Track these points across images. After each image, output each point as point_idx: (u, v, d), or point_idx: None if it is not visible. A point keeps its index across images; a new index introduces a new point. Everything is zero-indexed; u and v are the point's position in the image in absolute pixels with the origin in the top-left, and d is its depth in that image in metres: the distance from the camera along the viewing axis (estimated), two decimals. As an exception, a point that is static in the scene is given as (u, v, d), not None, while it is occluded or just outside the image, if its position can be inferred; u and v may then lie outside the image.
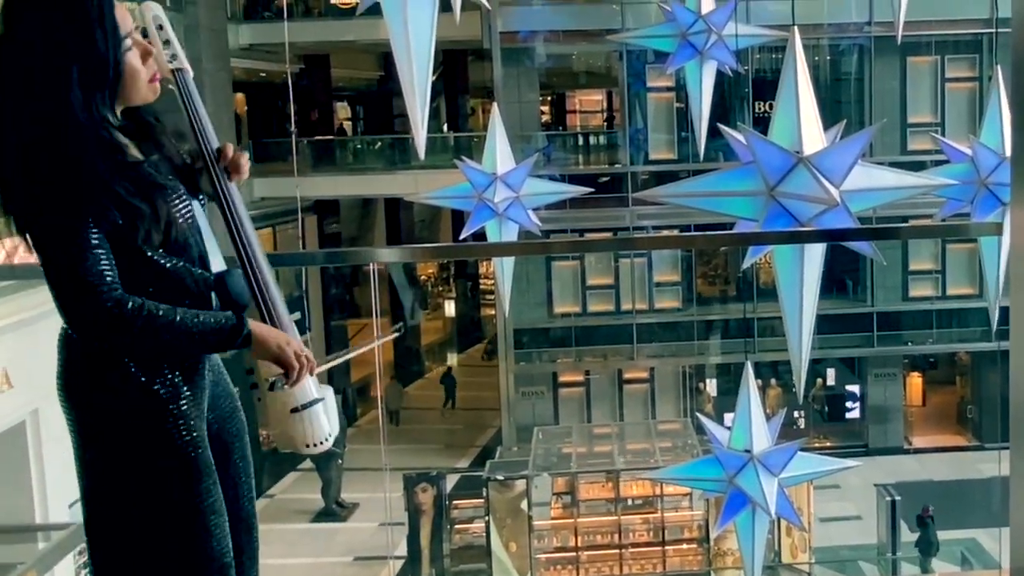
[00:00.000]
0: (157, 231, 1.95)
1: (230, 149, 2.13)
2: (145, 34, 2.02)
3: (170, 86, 2.05)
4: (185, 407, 2.05)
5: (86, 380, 2.02)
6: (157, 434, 2.02)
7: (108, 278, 1.88)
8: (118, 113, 2.00)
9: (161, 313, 1.91)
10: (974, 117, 19.84)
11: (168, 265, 2.00)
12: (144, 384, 2.00)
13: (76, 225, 1.86)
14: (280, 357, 2.06)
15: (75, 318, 1.89)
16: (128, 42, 1.94)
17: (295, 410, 2.18)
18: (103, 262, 1.88)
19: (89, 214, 1.87)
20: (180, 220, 2.02)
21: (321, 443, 2.21)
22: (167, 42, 2.01)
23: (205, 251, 2.08)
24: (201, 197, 2.15)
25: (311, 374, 2.12)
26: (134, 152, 2.01)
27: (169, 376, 2.03)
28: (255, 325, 2.04)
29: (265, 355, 2.05)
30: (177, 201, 2.03)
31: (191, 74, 2.09)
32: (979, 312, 20.48)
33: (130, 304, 1.88)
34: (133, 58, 1.96)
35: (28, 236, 1.91)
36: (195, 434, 2.07)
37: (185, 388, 2.06)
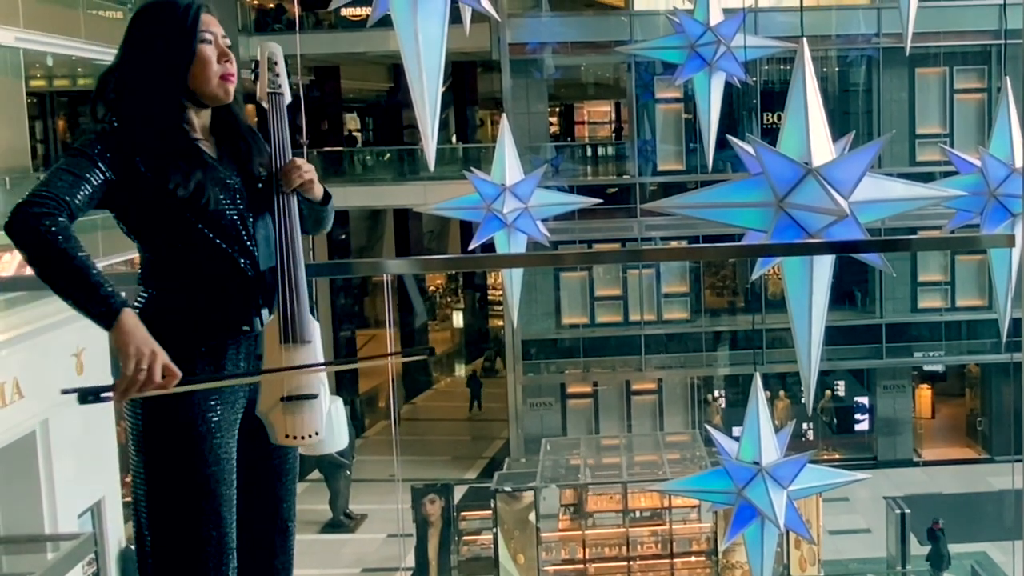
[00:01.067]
0: (184, 188, 2.15)
1: (294, 171, 2.34)
2: (256, 66, 2.40)
3: (265, 104, 2.39)
4: (208, 391, 2.19)
5: None
6: (177, 414, 2.16)
7: (62, 197, 2.02)
8: (196, 107, 2.28)
9: (70, 247, 1.98)
10: (983, 128, 19.81)
11: (211, 236, 2.18)
12: (181, 359, 2.09)
13: (81, 153, 2.11)
14: (124, 360, 1.98)
15: (10, 215, 2.01)
16: (207, 35, 2.27)
17: (284, 399, 2.23)
18: (69, 187, 2.05)
19: (107, 155, 2.12)
20: (222, 203, 2.21)
21: (304, 437, 2.23)
22: (277, 75, 2.38)
23: (255, 251, 2.24)
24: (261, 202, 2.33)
25: (160, 391, 2.02)
26: (202, 141, 2.27)
27: (198, 363, 2.19)
28: (131, 319, 2.00)
29: (119, 347, 2.00)
30: (225, 189, 2.24)
31: (288, 101, 2.41)
32: (989, 324, 20.40)
33: (52, 223, 1.98)
34: (207, 50, 2.26)
35: None
36: (216, 419, 2.20)
37: (219, 372, 2.21)
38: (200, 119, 2.29)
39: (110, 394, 1.99)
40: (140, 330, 2.00)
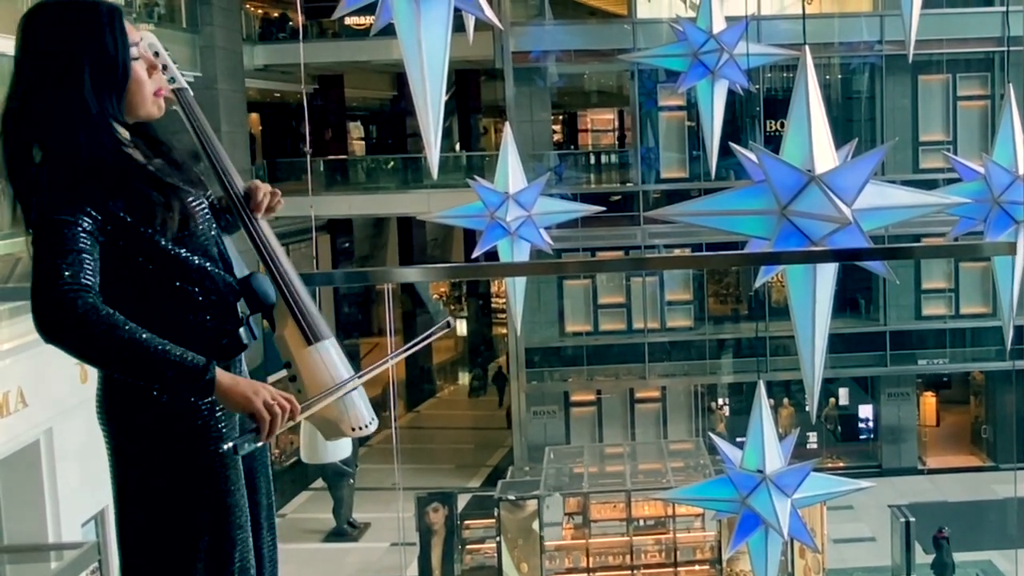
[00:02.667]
0: (172, 220, 2.01)
1: (259, 192, 2.20)
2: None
3: (174, 107, 2.16)
4: (216, 422, 2.11)
5: (121, 397, 2.06)
6: (188, 448, 2.06)
7: (84, 281, 1.88)
8: (127, 124, 2.09)
9: (127, 328, 1.86)
10: (986, 135, 19.79)
11: (194, 261, 2.06)
12: (172, 398, 2.04)
13: (69, 223, 1.90)
14: (248, 409, 1.93)
15: (41, 316, 1.86)
16: (135, 51, 2.04)
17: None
18: (85, 265, 1.89)
19: (89, 210, 1.93)
20: (199, 217, 2.09)
21: (364, 427, 2.22)
22: (165, 67, 2.13)
23: (228, 257, 2.15)
24: (223, 222, 2.23)
25: (293, 421, 1.97)
26: (142, 160, 2.09)
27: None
28: (222, 375, 1.93)
29: (233, 407, 1.95)
30: (193, 200, 2.10)
31: (191, 92, 2.19)
32: (993, 331, 20.36)
33: (98, 310, 1.85)
34: (139, 67, 2.06)
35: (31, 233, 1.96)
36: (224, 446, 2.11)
37: (219, 405, 2.09)
38: (126, 139, 2.09)
39: (256, 438, 1.96)
40: (239, 379, 1.96)
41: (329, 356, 2.20)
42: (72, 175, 1.95)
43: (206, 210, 2.14)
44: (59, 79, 1.97)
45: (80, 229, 1.91)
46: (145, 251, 2.01)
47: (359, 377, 2.20)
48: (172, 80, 2.14)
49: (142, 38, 2.08)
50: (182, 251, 2.04)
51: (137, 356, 1.86)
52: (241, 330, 2.16)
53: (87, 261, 1.90)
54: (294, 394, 2.15)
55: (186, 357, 1.89)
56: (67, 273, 1.86)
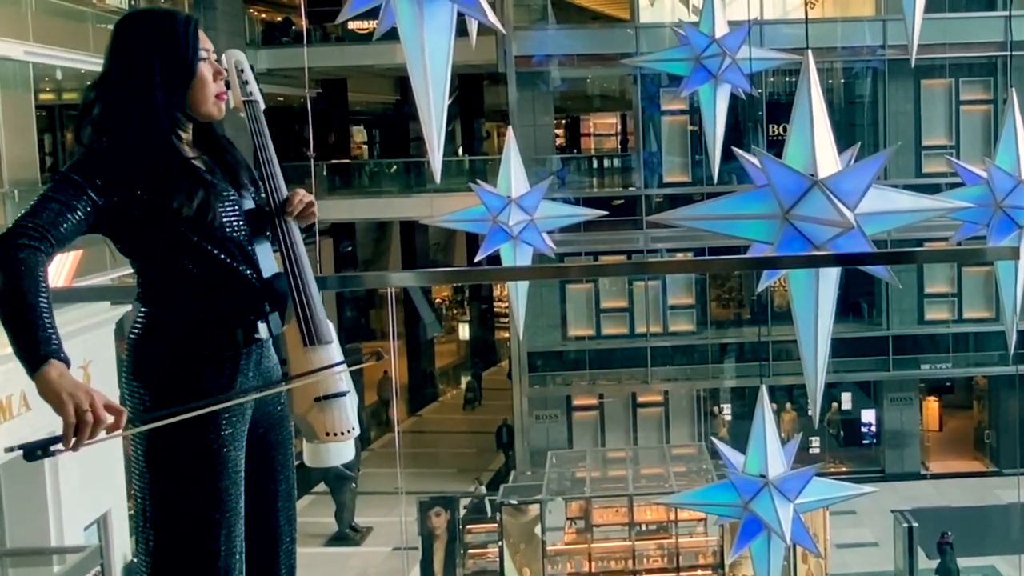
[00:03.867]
0: (188, 208, 2.14)
1: (296, 197, 2.35)
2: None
3: (240, 114, 2.39)
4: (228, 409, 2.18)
5: (137, 368, 2.19)
6: (190, 425, 2.11)
7: (39, 227, 2.00)
8: (195, 120, 2.28)
9: (27, 282, 1.93)
10: (989, 140, 19.79)
11: (214, 251, 2.18)
12: (189, 376, 2.16)
13: (77, 182, 2.08)
14: (57, 410, 1.86)
15: None
16: (203, 53, 2.25)
17: (318, 399, 2.26)
18: (56, 217, 2.02)
19: (99, 184, 2.09)
20: (224, 217, 2.21)
21: (343, 433, 2.27)
22: (246, 82, 2.36)
23: (256, 258, 2.26)
24: (268, 233, 2.34)
25: (115, 433, 1.91)
26: (195, 159, 2.27)
27: (214, 372, 2.18)
28: (52, 370, 1.88)
29: (47, 402, 1.88)
30: (225, 203, 2.24)
31: (262, 107, 2.40)
32: (996, 336, 20.31)
33: (26, 256, 1.95)
34: (205, 69, 2.26)
35: None
36: (228, 431, 2.19)
37: (227, 387, 2.19)
38: (187, 134, 2.28)
39: (60, 446, 1.85)
40: (68, 378, 1.88)
41: (321, 361, 2.26)
42: (115, 152, 2.12)
43: (236, 208, 2.26)
44: (135, 72, 2.19)
45: (76, 190, 2.07)
46: (166, 232, 2.14)
47: (285, 383, 2.26)
48: (249, 93, 2.36)
49: (227, 54, 2.33)
50: (195, 237, 2.15)
51: (10, 306, 1.91)
52: (260, 324, 2.23)
53: (65, 215, 2.03)
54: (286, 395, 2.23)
55: (40, 337, 1.90)
56: (37, 219, 2.00)
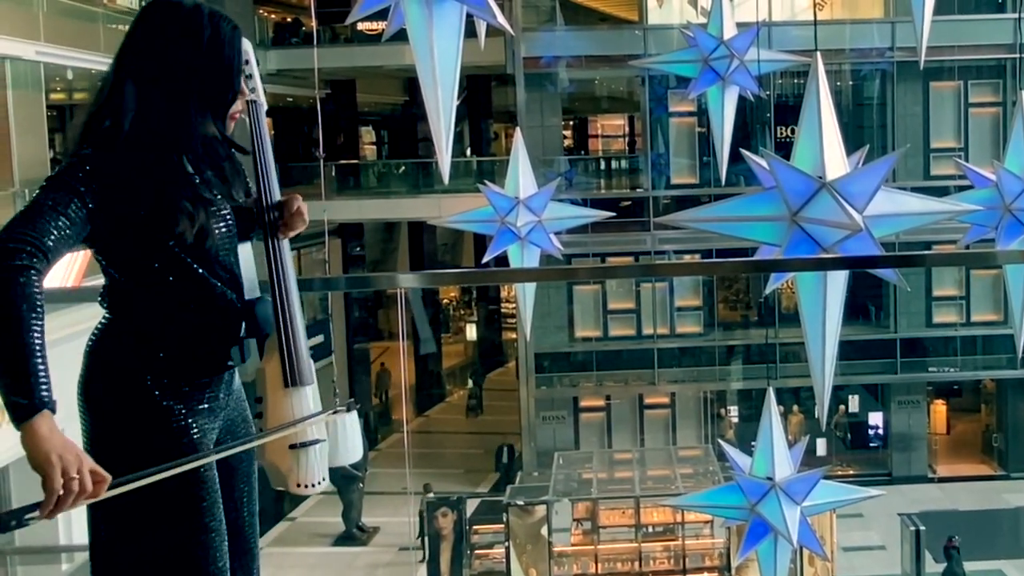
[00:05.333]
0: (189, 233, 1.98)
1: (293, 204, 2.18)
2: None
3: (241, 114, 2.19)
4: (196, 424, 2.06)
5: (102, 388, 2.03)
6: (165, 448, 2.01)
7: (44, 242, 1.80)
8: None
9: (15, 311, 1.72)
10: (998, 142, 19.73)
11: (200, 271, 2.02)
12: (157, 397, 2.02)
13: (75, 189, 1.88)
14: (43, 473, 1.69)
15: None
16: (246, 68, 2.08)
17: (293, 446, 2.15)
18: (56, 232, 1.83)
19: (96, 188, 1.90)
20: (218, 237, 2.06)
21: (312, 485, 2.16)
22: (250, 76, 2.13)
23: (240, 276, 2.11)
24: (252, 237, 2.19)
25: (95, 497, 1.75)
26: (194, 174, 2.08)
27: (185, 391, 2.05)
28: (42, 426, 1.71)
29: (31, 462, 1.71)
30: (219, 221, 2.07)
31: (264, 108, 2.20)
32: (1004, 339, 20.25)
33: (19, 276, 1.75)
34: (244, 84, 2.10)
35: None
36: (201, 448, 2.06)
37: (199, 406, 2.07)
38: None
39: (35, 514, 1.70)
40: (58, 435, 1.71)
41: (300, 404, 2.15)
42: (122, 158, 1.94)
43: (230, 224, 2.10)
44: (174, 77, 1.98)
45: (77, 199, 1.87)
46: (156, 247, 1.98)
47: (263, 434, 2.12)
48: (252, 90, 2.15)
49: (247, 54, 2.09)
50: (185, 256, 2.00)
51: (4, 342, 1.72)
52: (232, 350, 2.08)
53: (61, 229, 1.84)
54: (257, 428, 2.10)
55: (34, 383, 1.72)
56: (35, 228, 1.80)
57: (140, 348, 2.01)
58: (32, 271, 1.77)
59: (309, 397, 2.17)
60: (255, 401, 2.18)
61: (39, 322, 1.75)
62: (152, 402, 2.01)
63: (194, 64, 2.00)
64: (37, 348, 1.73)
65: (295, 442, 2.15)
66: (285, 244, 2.20)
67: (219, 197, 2.09)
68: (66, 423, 1.96)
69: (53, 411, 1.73)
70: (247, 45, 2.12)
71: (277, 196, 2.20)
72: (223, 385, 2.14)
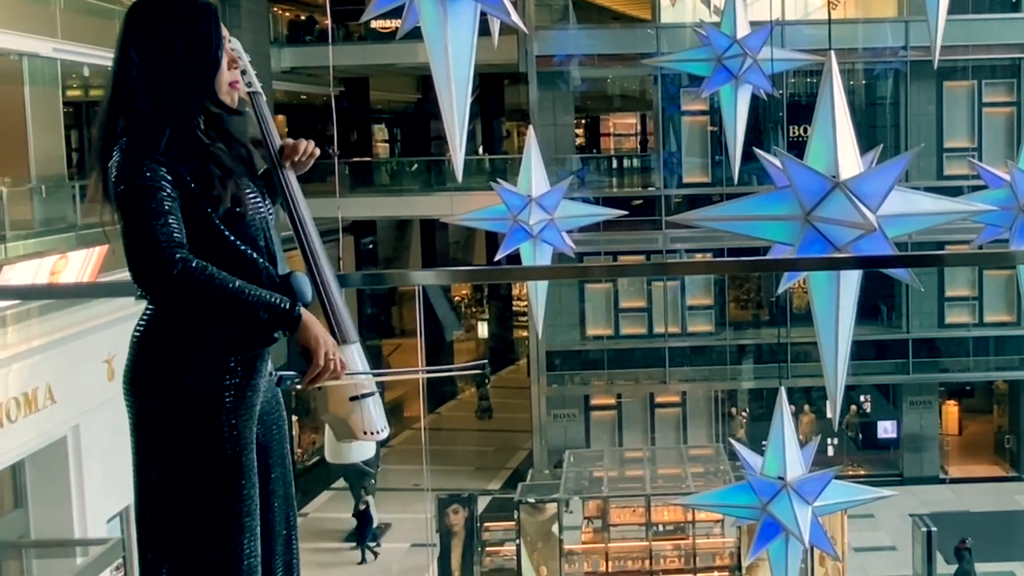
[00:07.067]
0: (224, 196, 2.14)
1: (292, 144, 2.35)
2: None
3: (247, 108, 2.36)
4: (237, 407, 2.17)
5: (147, 372, 2.15)
6: (206, 430, 2.13)
7: (176, 238, 2.05)
8: (208, 111, 2.24)
9: (221, 276, 2.04)
10: (1012, 142, 19.65)
11: (241, 246, 2.16)
12: (200, 381, 2.13)
13: (153, 187, 2.07)
14: (314, 350, 2.11)
15: (142, 273, 2.03)
16: (223, 40, 2.25)
17: (354, 398, 2.29)
18: (173, 224, 2.06)
19: (165, 173, 2.09)
20: (251, 208, 2.21)
21: (379, 431, 2.30)
22: (243, 72, 2.32)
23: (275, 253, 2.24)
24: (272, 210, 2.32)
25: (334, 380, 2.14)
26: (206, 141, 2.23)
27: (232, 366, 2.16)
28: (308, 316, 2.12)
29: (303, 341, 2.11)
30: (249, 192, 2.23)
31: (263, 97, 2.38)
32: (1017, 340, 20.18)
33: (193, 263, 2.02)
34: (225, 57, 2.26)
35: (115, 199, 2.12)
36: (244, 434, 2.17)
37: (242, 389, 2.17)
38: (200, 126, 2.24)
39: (298, 382, 2.15)
40: (320, 324, 2.12)
41: (353, 360, 2.27)
42: (149, 141, 2.11)
43: (258, 200, 2.25)
44: (159, 58, 2.18)
45: (164, 192, 2.08)
46: (201, 225, 2.12)
47: (376, 377, 2.30)
48: (249, 84, 2.33)
49: (229, 39, 2.28)
50: (231, 236, 2.15)
51: (234, 303, 2.05)
52: None
53: (174, 220, 2.07)
54: (315, 393, 2.24)
55: (274, 300, 2.08)
56: (161, 233, 2.04)
57: (190, 330, 2.13)
58: (190, 259, 2.04)
59: (356, 353, 2.30)
60: (302, 358, 2.26)
61: (226, 276, 2.05)
62: (203, 382, 2.13)
63: (174, 39, 2.18)
64: (246, 286, 2.06)
65: (355, 394, 2.29)
66: (313, 228, 2.31)
67: (241, 168, 2.24)
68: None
69: (306, 305, 2.12)
70: (235, 44, 2.31)
71: (296, 187, 2.36)
72: (264, 363, 2.23)
